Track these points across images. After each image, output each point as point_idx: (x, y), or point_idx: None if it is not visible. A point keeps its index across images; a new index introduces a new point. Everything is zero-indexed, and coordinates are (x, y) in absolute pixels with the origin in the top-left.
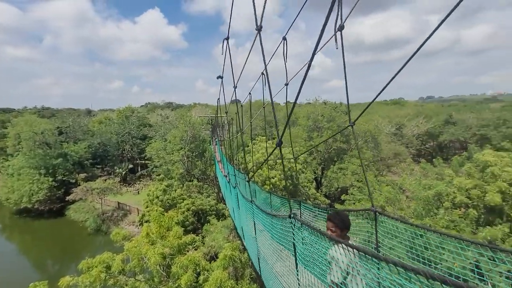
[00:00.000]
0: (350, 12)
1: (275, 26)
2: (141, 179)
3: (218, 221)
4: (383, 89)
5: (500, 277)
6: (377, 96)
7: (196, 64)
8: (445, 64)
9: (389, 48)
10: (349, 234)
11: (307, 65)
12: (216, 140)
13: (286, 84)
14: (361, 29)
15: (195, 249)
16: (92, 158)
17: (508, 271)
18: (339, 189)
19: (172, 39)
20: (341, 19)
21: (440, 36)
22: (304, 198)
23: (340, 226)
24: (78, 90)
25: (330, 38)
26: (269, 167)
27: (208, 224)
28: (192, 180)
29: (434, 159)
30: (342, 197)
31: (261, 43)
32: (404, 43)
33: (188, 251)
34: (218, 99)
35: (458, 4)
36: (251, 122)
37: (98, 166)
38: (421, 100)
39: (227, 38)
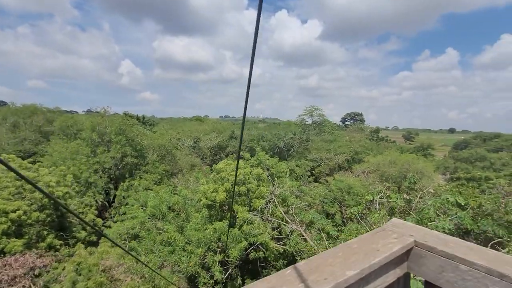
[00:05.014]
0: None
1: (68, 15)
2: None
3: None
4: None
5: None
6: None
7: None
8: (237, 91)
9: (196, 70)
10: None
11: None
12: None
13: None
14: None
15: None
16: None
17: None
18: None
19: None
20: None
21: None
22: (76, 229)
23: None
24: None
25: None
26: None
27: None
28: None
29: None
30: (116, 218)
31: None
32: (208, 69)
33: None
34: None
35: None
36: None
37: None
38: (221, 118)
39: None
